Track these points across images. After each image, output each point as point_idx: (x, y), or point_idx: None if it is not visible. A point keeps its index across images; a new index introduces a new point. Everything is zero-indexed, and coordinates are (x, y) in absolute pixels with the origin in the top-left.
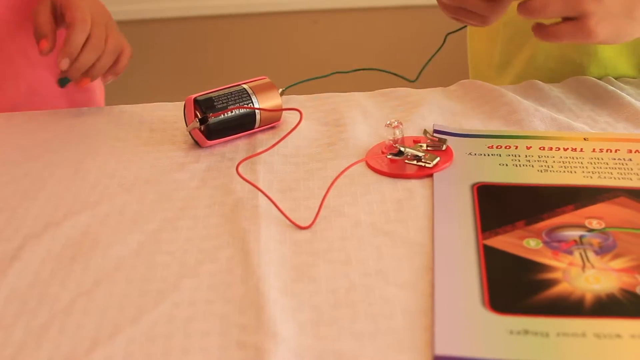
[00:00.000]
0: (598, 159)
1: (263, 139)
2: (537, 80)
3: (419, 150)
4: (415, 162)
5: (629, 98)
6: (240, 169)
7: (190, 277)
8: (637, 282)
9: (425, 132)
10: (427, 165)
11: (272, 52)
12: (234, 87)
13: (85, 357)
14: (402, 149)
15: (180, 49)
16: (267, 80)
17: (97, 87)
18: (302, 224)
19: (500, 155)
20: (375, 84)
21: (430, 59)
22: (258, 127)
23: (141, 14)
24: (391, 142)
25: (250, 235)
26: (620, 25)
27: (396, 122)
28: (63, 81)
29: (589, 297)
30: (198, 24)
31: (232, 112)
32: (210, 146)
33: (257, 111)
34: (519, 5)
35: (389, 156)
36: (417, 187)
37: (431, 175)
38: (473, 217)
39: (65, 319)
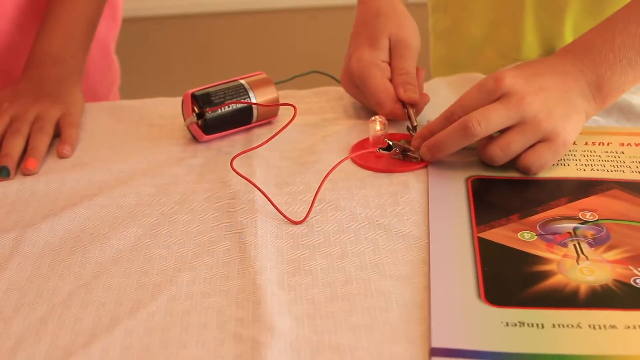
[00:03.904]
0: (591, 152)
1: (260, 133)
2: None
3: (407, 145)
4: (401, 156)
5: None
6: (237, 164)
7: (187, 270)
8: (631, 273)
9: (408, 128)
10: (414, 159)
11: (271, 49)
12: (231, 82)
13: (83, 349)
14: (390, 143)
15: (181, 46)
16: (264, 75)
17: (112, 94)
18: (299, 218)
19: None
20: None
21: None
22: (255, 122)
23: (142, 11)
24: (375, 138)
25: (247, 228)
26: (568, 110)
27: (381, 119)
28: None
29: (583, 289)
30: (199, 21)
31: (229, 107)
32: (208, 141)
33: (254, 106)
34: (481, 156)
35: (379, 150)
36: (412, 181)
37: (425, 168)
38: (468, 210)
39: (64, 312)
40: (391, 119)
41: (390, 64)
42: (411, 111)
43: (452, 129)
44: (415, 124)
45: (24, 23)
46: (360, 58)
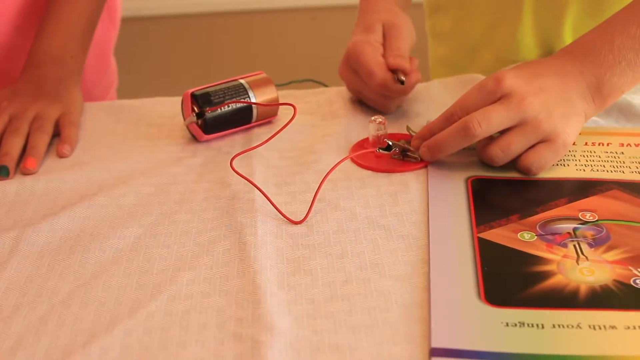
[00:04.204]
0: (590, 152)
1: (260, 133)
2: None
3: (407, 145)
4: (401, 156)
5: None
6: (236, 164)
7: (187, 270)
8: (630, 273)
9: (408, 128)
10: (414, 159)
11: (271, 49)
12: (231, 82)
13: (83, 349)
14: (390, 143)
15: (181, 46)
16: (264, 75)
17: (109, 97)
18: (298, 218)
19: None
20: None
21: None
22: (255, 122)
23: (142, 11)
24: (375, 137)
25: (247, 228)
26: (568, 112)
27: (380, 119)
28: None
29: (583, 289)
30: (198, 21)
31: (228, 106)
32: (207, 140)
33: (253, 106)
34: (481, 156)
35: (379, 150)
36: (412, 181)
37: (425, 169)
38: (467, 210)
39: (64, 312)
40: (386, 113)
41: (383, 45)
42: (401, 75)
43: (452, 129)
44: (404, 78)
45: (23, 23)
46: (355, 41)
